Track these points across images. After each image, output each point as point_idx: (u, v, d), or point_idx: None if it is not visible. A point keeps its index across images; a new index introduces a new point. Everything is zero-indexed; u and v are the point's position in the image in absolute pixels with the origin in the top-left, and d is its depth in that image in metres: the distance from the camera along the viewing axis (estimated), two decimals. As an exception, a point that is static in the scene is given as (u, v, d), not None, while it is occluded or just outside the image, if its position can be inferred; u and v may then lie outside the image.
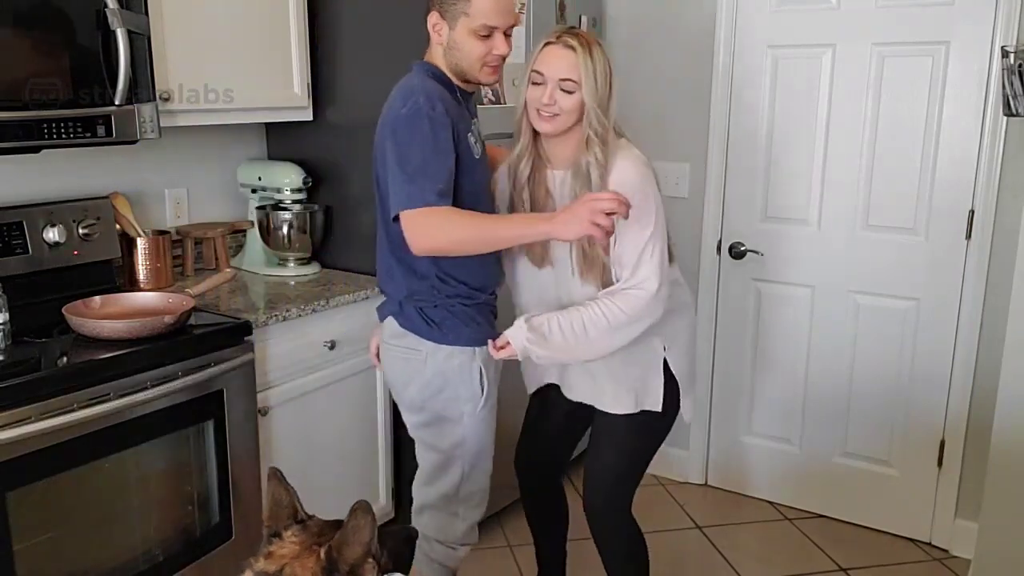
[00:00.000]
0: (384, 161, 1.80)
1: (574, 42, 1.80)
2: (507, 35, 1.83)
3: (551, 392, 2.15)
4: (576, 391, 2.06)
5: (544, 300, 1.97)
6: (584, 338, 1.82)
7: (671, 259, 1.96)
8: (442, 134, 1.73)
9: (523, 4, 2.63)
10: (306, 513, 1.41)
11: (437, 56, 1.87)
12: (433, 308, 1.89)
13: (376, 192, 1.92)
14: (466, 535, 2.03)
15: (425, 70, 1.86)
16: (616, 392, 1.98)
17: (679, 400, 2.04)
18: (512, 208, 1.95)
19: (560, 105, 1.80)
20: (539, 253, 1.94)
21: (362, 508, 1.28)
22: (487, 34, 1.79)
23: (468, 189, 1.82)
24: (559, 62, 1.80)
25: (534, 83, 1.83)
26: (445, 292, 1.88)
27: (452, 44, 1.82)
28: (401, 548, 1.51)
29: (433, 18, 1.84)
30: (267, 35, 2.53)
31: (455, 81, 1.87)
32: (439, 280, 1.87)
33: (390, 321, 1.96)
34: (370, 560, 1.31)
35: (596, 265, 1.87)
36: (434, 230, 1.72)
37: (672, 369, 1.99)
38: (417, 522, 2.02)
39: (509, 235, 1.78)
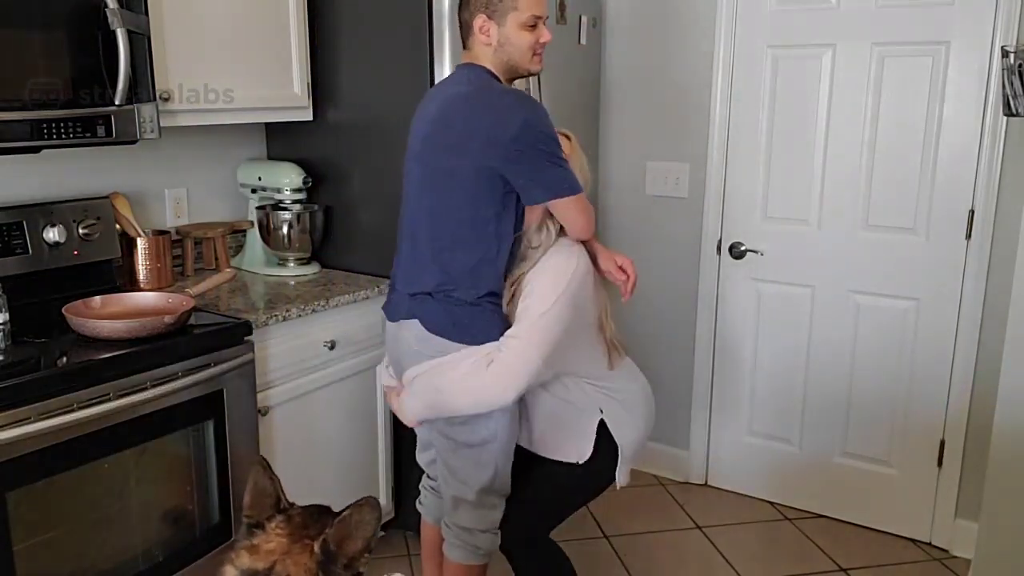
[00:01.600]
0: (454, 151, 1.85)
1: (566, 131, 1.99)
2: (545, 24, 1.95)
3: None
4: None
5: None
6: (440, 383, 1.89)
7: (619, 353, 2.05)
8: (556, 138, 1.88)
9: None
10: (288, 502, 1.36)
11: (484, 57, 1.93)
12: (463, 307, 1.90)
13: (412, 185, 1.98)
14: (501, 518, 2.06)
15: (483, 72, 1.93)
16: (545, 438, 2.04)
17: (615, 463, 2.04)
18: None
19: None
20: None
21: (370, 504, 1.25)
22: (534, 24, 1.91)
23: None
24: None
25: (531, 27, 1.92)
26: (477, 292, 1.90)
27: (504, 41, 1.91)
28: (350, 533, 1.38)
29: (479, 21, 1.91)
30: (267, 35, 2.53)
31: (502, 80, 1.96)
32: (471, 279, 1.89)
33: (414, 325, 1.94)
34: (366, 555, 1.28)
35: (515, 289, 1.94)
36: (591, 214, 1.93)
37: (612, 433, 2.01)
38: (454, 517, 2.03)
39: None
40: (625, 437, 2.03)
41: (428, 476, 2.24)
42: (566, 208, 1.88)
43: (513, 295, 1.92)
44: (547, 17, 1.96)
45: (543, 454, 2.05)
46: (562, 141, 1.91)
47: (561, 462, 2.03)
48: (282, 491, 1.35)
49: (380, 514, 1.27)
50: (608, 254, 2.04)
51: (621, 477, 2.06)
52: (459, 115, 1.87)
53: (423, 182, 1.95)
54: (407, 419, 2.01)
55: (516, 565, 2.12)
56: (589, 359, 1.98)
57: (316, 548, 1.23)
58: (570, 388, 1.98)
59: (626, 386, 2.07)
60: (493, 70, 1.94)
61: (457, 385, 1.87)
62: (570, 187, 1.86)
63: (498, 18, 1.89)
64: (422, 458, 2.24)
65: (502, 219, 1.88)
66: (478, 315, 1.90)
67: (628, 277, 2.04)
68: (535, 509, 2.08)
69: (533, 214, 1.92)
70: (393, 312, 2.03)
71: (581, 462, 2.01)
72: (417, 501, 2.29)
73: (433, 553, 2.25)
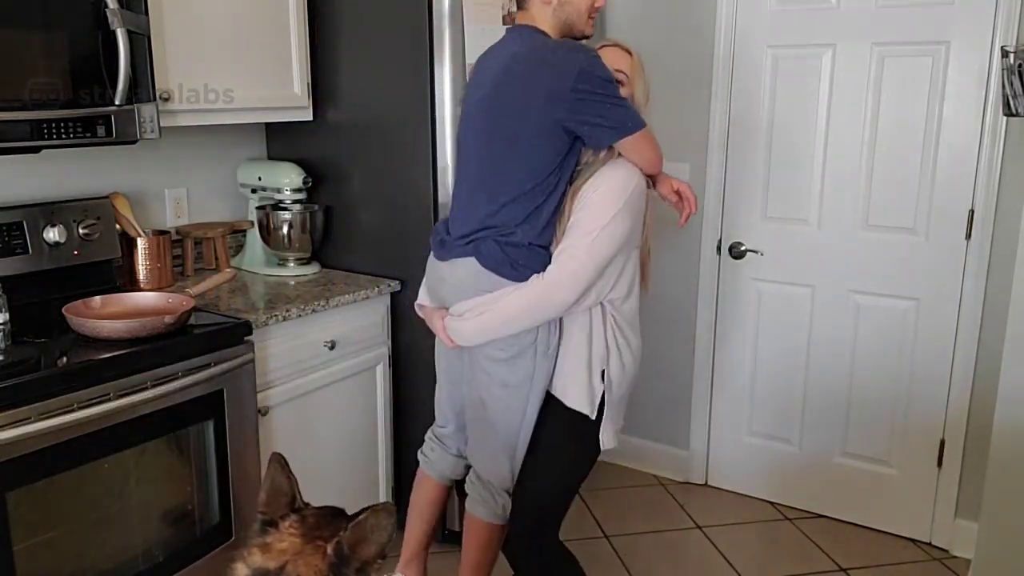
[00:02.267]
0: (517, 114, 1.88)
1: (628, 48, 2.03)
2: None
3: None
4: None
5: None
6: (493, 310, 1.91)
7: (645, 286, 2.08)
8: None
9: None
10: (303, 502, 1.37)
11: (540, 18, 1.96)
12: (520, 248, 1.92)
13: (470, 147, 2.02)
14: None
15: (537, 32, 1.96)
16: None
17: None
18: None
19: None
20: None
21: (387, 510, 1.25)
22: None
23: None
24: (613, 57, 1.97)
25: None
26: (534, 236, 1.92)
27: (564, 0, 1.95)
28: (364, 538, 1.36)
29: None
30: (267, 35, 2.53)
31: None
32: (529, 224, 1.92)
33: (469, 262, 1.95)
34: (379, 561, 1.27)
35: (561, 214, 1.95)
36: (657, 146, 1.96)
37: (605, 387, 2.00)
38: (479, 468, 2.06)
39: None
40: (613, 393, 2.01)
41: (438, 425, 2.24)
42: (633, 145, 1.90)
43: (565, 210, 1.92)
44: None
45: (557, 393, 2.01)
46: (623, 58, 1.98)
47: (559, 428, 2.01)
48: (298, 490, 1.36)
49: (395, 520, 1.27)
50: (667, 178, 2.08)
51: (606, 438, 2.02)
52: (517, 77, 1.89)
53: (483, 145, 1.96)
54: (457, 340, 1.98)
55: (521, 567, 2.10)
56: (623, 282, 1.97)
57: (329, 550, 1.23)
58: (594, 320, 1.97)
59: (633, 335, 2.05)
60: (548, 31, 1.95)
61: (512, 299, 1.88)
62: (634, 124, 1.88)
63: None
64: (441, 396, 2.21)
65: (563, 168, 1.91)
66: (534, 256, 1.91)
67: (686, 202, 2.09)
68: (541, 492, 2.05)
69: None
70: (445, 252, 2.03)
71: (593, 416, 1.98)
72: (420, 452, 2.27)
73: (425, 509, 2.24)
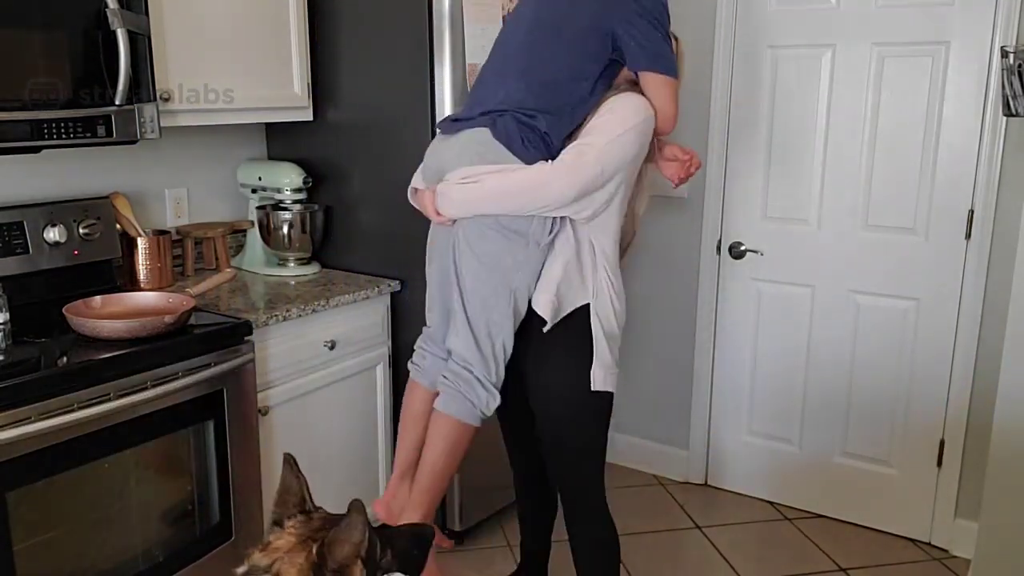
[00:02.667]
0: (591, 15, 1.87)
1: None
2: None
3: (512, 415, 2.16)
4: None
5: None
6: (496, 177, 1.85)
7: (625, 254, 2.05)
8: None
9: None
10: (313, 504, 1.38)
11: None
12: (536, 133, 1.87)
13: (517, 26, 1.97)
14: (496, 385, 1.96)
15: None
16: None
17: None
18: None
19: None
20: None
21: (356, 508, 1.24)
22: None
23: None
24: None
25: None
26: (549, 127, 1.88)
27: None
28: (410, 548, 1.45)
29: None
30: (267, 35, 2.53)
31: None
32: (552, 116, 1.87)
33: (481, 131, 1.88)
34: (359, 561, 1.26)
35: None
36: (678, 107, 1.94)
37: (592, 320, 1.96)
38: (455, 348, 1.95)
39: None
40: (604, 329, 1.97)
41: (427, 326, 2.14)
42: (660, 87, 1.90)
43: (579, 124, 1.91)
44: None
45: (544, 313, 1.95)
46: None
47: (563, 390, 1.99)
48: (308, 492, 1.37)
49: (365, 518, 1.25)
50: (671, 142, 2.06)
51: (598, 377, 1.99)
52: None
53: (523, 32, 1.94)
54: (443, 208, 1.91)
55: (580, 557, 2.13)
56: (611, 228, 1.95)
57: (313, 550, 1.24)
58: (583, 251, 1.94)
59: (618, 282, 2.00)
60: None
61: (512, 174, 1.84)
62: (672, 66, 1.89)
63: None
64: (431, 291, 2.11)
65: (597, 80, 1.90)
66: (547, 147, 1.88)
67: (688, 157, 2.04)
68: (576, 451, 2.08)
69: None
70: (455, 127, 1.95)
71: (550, 321, 1.93)
72: (410, 362, 2.16)
73: (419, 419, 2.12)
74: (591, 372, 1.98)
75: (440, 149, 1.99)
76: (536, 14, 1.95)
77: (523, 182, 1.84)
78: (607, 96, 1.94)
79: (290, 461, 1.40)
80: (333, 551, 1.25)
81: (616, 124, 1.87)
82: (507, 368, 1.98)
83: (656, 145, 2.02)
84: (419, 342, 2.17)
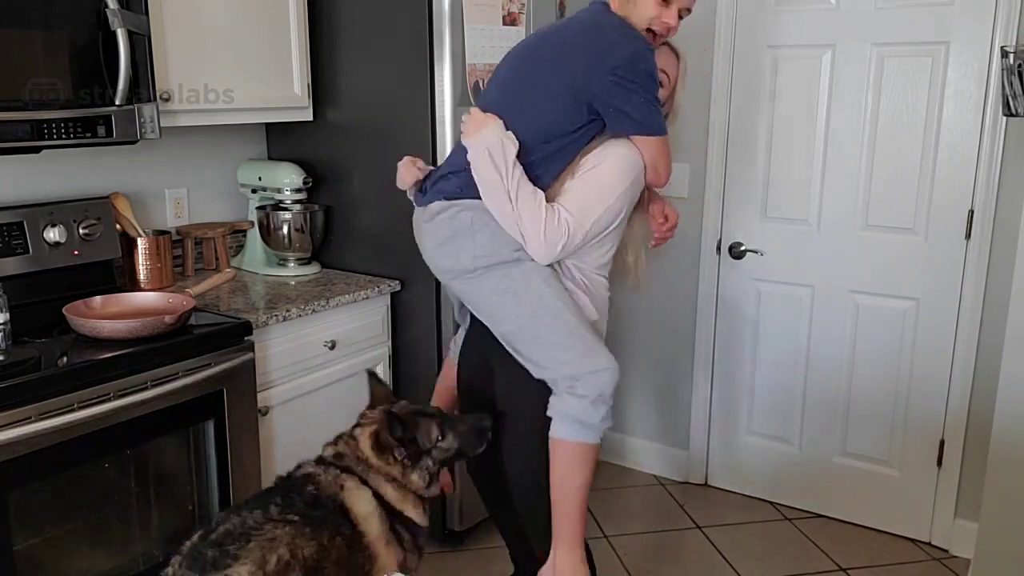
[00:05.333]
0: (553, 62, 1.86)
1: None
2: (681, 16, 1.90)
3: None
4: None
5: None
6: (512, 186, 1.82)
7: (635, 280, 2.05)
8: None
9: (523, 4, 2.63)
10: (395, 397, 1.91)
11: (614, 4, 1.90)
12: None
13: (493, 88, 1.98)
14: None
15: (609, 10, 1.89)
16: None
17: None
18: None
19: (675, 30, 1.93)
20: None
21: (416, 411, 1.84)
22: (666, 2, 1.86)
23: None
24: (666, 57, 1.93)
25: (663, 1, 1.87)
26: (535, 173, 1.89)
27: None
28: (468, 434, 1.86)
29: None
30: (267, 35, 2.53)
31: None
32: (530, 168, 1.87)
33: (435, 204, 1.91)
34: (399, 448, 1.76)
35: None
36: (670, 161, 1.93)
37: None
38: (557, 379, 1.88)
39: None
40: None
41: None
42: (647, 146, 1.87)
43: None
44: (685, 7, 1.90)
45: (518, 346, 1.92)
46: (670, 59, 1.94)
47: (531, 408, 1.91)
48: (393, 394, 1.94)
49: (401, 417, 1.78)
50: (660, 199, 2.05)
51: None
52: (568, 33, 1.88)
53: (500, 84, 1.94)
54: (471, 136, 1.85)
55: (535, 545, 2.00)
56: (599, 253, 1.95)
57: (384, 416, 1.78)
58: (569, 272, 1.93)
59: (591, 284, 1.97)
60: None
61: (512, 210, 1.82)
62: (658, 127, 1.85)
63: None
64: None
65: (566, 143, 1.86)
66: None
67: (668, 224, 2.04)
68: (535, 463, 1.94)
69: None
70: (423, 201, 1.96)
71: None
72: (450, 345, 2.21)
73: (452, 386, 2.16)
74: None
75: (420, 236, 1.99)
76: (518, 65, 1.93)
77: (511, 219, 1.83)
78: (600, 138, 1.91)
79: (372, 376, 1.91)
80: (381, 437, 1.76)
81: (600, 197, 1.84)
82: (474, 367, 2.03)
83: (646, 196, 2.00)
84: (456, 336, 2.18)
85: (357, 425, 1.83)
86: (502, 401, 1.97)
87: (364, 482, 1.74)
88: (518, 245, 1.85)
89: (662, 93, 1.91)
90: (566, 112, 1.84)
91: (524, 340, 1.88)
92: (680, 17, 1.91)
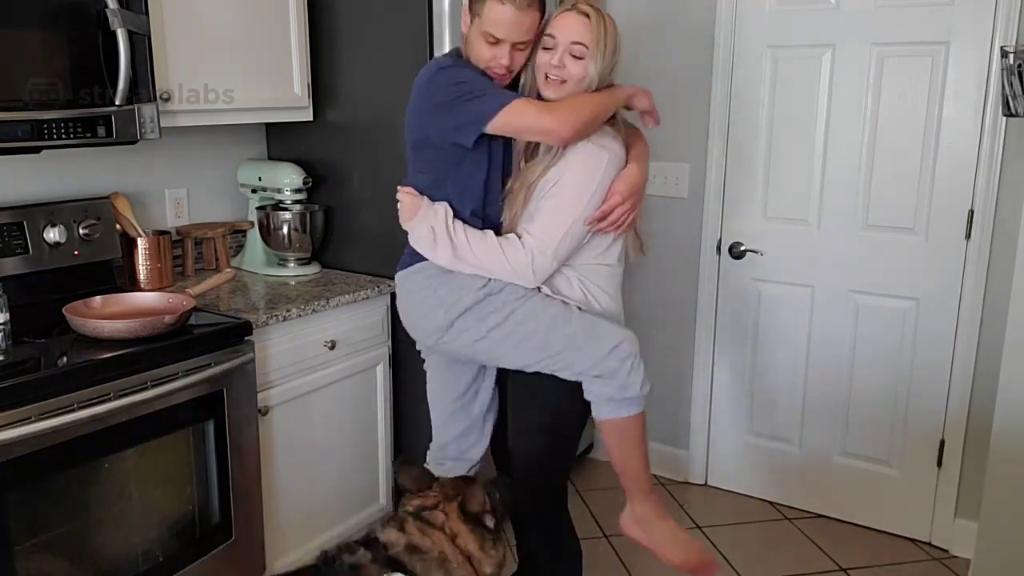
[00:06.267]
0: (415, 128, 1.94)
1: (589, 10, 1.87)
2: (519, 49, 1.88)
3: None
4: None
5: None
6: (465, 252, 1.90)
7: (639, 250, 2.07)
8: (469, 72, 1.88)
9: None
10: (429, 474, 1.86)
11: (462, 40, 1.96)
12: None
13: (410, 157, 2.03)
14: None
15: (454, 53, 1.98)
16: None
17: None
18: (504, 171, 1.99)
19: (568, 71, 1.87)
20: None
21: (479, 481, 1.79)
22: (494, 42, 1.85)
23: (494, 163, 1.95)
24: (573, 26, 1.86)
25: (545, 48, 1.88)
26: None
27: (468, 38, 1.91)
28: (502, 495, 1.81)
29: (464, 5, 1.91)
30: (267, 35, 2.53)
31: None
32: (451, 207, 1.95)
33: (397, 277, 2.04)
34: (490, 514, 1.71)
35: (513, 198, 1.94)
36: (540, 109, 1.83)
37: None
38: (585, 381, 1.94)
39: (608, 105, 1.90)
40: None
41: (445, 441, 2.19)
42: (508, 123, 1.82)
43: (525, 193, 1.91)
44: (520, 43, 1.85)
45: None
46: (581, 25, 1.85)
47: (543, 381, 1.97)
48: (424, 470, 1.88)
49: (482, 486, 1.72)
50: (638, 94, 2.00)
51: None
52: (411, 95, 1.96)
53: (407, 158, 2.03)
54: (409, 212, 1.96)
55: (522, 542, 2.12)
56: (595, 250, 1.97)
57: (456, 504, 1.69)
58: (560, 283, 1.96)
59: (603, 294, 2.01)
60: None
61: (483, 250, 1.89)
62: (495, 106, 1.80)
63: (472, 14, 1.88)
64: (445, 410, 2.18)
65: (471, 181, 1.93)
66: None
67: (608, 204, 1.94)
68: (538, 445, 2.02)
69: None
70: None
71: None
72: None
73: None
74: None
75: (401, 310, 2.09)
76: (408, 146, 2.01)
77: (480, 267, 1.90)
78: (543, 155, 1.91)
79: (399, 465, 1.85)
80: (469, 503, 1.68)
81: (563, 211, 1.86)
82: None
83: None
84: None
85: (406, 509, 1.72)
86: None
87: None
88: (481, 283, 1.91)
89: (578, 67, 1.86)
90: (436, 155, 1.91)
91: (535, 362, 1.94)
92: (519, 50, 1.87)
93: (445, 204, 1.94)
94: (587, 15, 1.86)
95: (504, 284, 1.92)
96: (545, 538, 2.10)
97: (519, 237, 1.89)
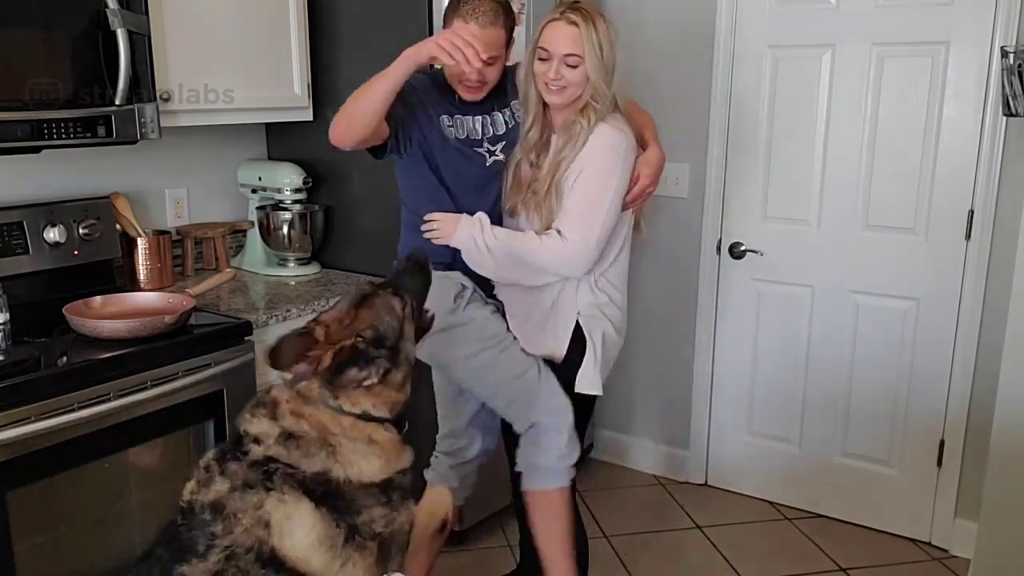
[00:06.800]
0: None
1: (577, 17, 1.89)
2: (488, 63, 1.91)
3: None
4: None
5: None
6: (509, 254, 1.93)
7: (640, 231, 2.12)
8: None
9: (523, 4, 2.63)
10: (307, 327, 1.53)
11: None
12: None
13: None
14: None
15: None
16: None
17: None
18: (517, 172, 2.04)
19: (567, 79, 1.90)
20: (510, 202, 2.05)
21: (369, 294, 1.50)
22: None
23: (442, 164, 2.04)
24: (563, 38, 1.89)
25: (540, 59, 1.92)
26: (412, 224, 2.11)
27: None
28: (410, 275, 1.62)
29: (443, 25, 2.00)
30: (267, 35, 2.53)
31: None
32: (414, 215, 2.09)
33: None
34: (368, 365, 1.42)
35: (526, 193, 1.97)
36: (347, 105, 1.94)
37: (585, 332, 2.02)
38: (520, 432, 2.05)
39: (379, 83, 1.90)
40: (597, 337, 2.02)
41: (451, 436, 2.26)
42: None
43: (553, 189, 1.93)
44: (489, 57, 1.90)
45: (528, 348, 2.04)
46: (568, 35, 1.88)
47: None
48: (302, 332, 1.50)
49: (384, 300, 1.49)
50: (646, 161, 2.03)
51: (582, 383, 2.02)
52: None
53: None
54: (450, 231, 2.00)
55: (524, 539, 2.16)
56: (609, 254, 2.03)
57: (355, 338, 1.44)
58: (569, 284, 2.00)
59: (616, 292, 2.06)
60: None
61: (529, 258, 1.93)
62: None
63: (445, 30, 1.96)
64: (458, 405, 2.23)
65: (416, 180, 2.07)
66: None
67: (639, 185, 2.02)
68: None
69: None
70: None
71: (559, 358, 2.01)
72: (426, 470, 2.28)
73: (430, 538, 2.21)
74: (577, 374, 2.01)
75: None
76: None
77: (535, 264, 1.95)
78: (558, 149, 1.95)
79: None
80: (378, 328, 1.43)
81: (592, 200, 1.91)
82: None
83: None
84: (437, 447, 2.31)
85: (297, 381, 1.42)
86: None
87: (314, 482, 1.33)
88: (449, 308, 1.98)
89: (574, 74, 1.90)
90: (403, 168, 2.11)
91: (488, 399, 2.06)
92: (489, 64, 1.91)
93: (481, 214, 1.98)
94: (575, 23, 1.88)
95: (472, 317, 2.00)
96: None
97: (559, 233, 1.92)
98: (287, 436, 1.36)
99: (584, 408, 2.08)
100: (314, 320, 1.47)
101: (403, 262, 1.69)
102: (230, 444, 1.40)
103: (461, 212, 2.02)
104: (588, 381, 2.03)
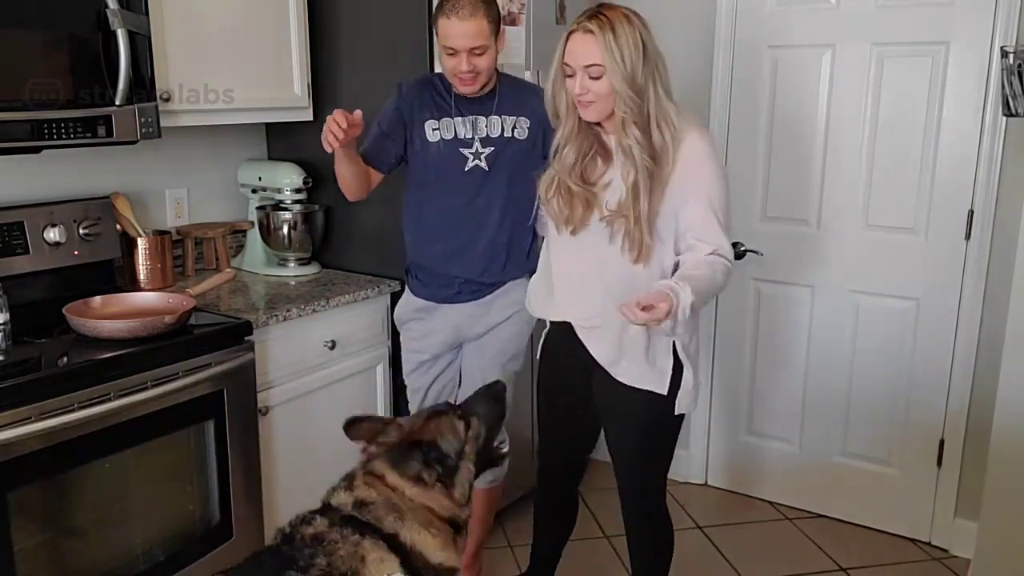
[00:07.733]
0: None
1: (592, 25, 1.79)
2: (476, 54, 2.02)
3: (560, 394, 2.15)
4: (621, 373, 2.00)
5: (579, 270, 1.98)
6: (712, 284, 1.85)
7: None
8: (387, 107, 2.22)
9: (523, 4, 2.63)
10: (383, 423, 1.75)
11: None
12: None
13: None
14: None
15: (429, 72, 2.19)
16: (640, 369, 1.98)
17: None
18: (560, 189, 1.94)
19: (593, 91, 1.81)
20: (576, 217, 1.94)
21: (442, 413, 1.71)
22: (452, 53, 2.03)
23: (418, 163, 2.23)
24: (581, 49, 1.80)
25: (567, 75, 1.85)
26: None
27: (440, 58, 2.10)
28: (488, 404, 1.77)
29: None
30: (267, 35, 2.53)
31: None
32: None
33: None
34: (428, 470, 1.60)
35: (611, 214, 1.88)
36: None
37: (680, 354, 1.96)
38: None
39: (337, 167, 2.17)
40: (692, 353, 1.99)
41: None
42: None
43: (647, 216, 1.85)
44: (473, 49, 2.00)
45: (627, 382, 1.97)
46: (588, 45, 1.79)
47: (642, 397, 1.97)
48: (382, 420, 1.76)
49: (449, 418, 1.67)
50: None
51: (681, 405, 1.98)
52: None
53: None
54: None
55: (632, 540, 2.19)
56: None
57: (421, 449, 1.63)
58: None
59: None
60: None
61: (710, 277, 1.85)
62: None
63: (435, 34, 2.08)
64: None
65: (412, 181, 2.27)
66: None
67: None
68: (645, 458, 2.10)
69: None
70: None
71: (664, 392, 1.95)
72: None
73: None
74: (676, 399, 1.98)
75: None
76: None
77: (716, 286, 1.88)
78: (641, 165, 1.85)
79: (349, 422, 1.68)
80: (439, 443, 1.61)
81: (723, 214, 1.87)
82: (574, 369, 2.07)
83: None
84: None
85: (368, 462, 1.64)
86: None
87: (392, 544, 1.50)
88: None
89: (600, 85, 1.81)
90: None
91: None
92: (477, 55, 2.02)
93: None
94: (591, 31, 1.79)
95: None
96: (650, 524, 2.16)
97: (719, 256, 1.85)
98: (360, 504, 1.56)
99: (678, 424, 2.05)
100: (392, 419, 1.75)
101: (482, 390, 1.83)
102: (313, 511, 1.58)
103: (441, 205, 2.22)
104: (689, 399, 1.99)
